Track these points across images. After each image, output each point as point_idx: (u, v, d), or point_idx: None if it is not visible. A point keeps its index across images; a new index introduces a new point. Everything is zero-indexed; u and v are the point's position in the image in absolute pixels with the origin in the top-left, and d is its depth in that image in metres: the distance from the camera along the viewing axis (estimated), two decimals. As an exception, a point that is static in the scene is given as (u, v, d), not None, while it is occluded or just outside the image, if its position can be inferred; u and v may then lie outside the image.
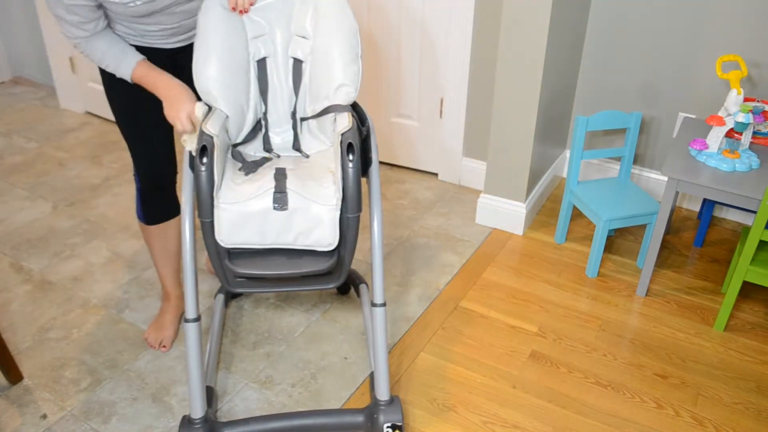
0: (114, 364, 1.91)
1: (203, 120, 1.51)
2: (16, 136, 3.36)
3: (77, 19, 1.51)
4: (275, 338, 2.03)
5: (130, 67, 1.59)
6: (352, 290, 2.23)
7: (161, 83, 1.57)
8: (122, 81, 1.65)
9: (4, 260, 2.38)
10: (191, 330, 1.59)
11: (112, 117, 3.50)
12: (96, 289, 2.23)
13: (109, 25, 1.60)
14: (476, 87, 2.71)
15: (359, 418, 1.66)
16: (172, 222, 1.92)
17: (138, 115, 1.73)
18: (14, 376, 1.83)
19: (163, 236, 1.92)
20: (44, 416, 1.74)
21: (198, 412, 1.59)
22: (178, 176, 1.89)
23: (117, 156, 3.18)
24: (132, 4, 1.54)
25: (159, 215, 1.88)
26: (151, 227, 1.89)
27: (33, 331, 2.04)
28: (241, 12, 1.62)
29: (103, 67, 1.62)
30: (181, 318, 2.07)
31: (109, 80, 1.69)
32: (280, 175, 1.51)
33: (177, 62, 1.78)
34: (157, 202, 1.87)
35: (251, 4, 1.63)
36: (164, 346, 1.96)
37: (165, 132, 1.79)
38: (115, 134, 3.41)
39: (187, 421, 1.60)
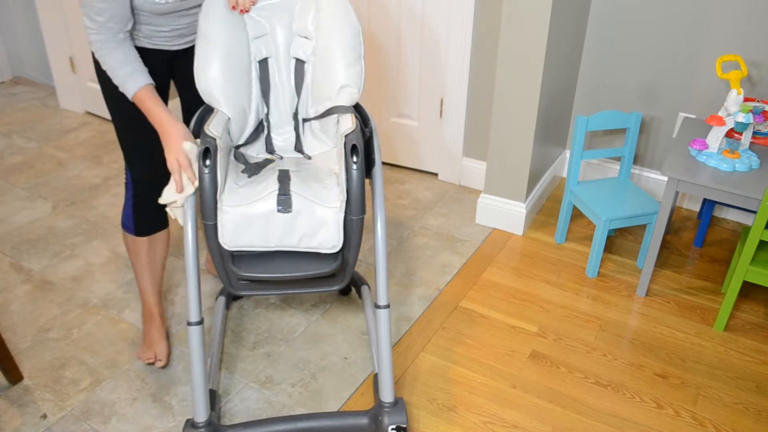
0: (114, 364, 1.91)
1: (196, 158, 1.52)
2: (16, 136, 3.36)
3: (103, 20, 1.50)
4: (275, 338, 2.03)
5: (135, 87, 1.56)
6: (353, 290, 2.23)
7: (155, 116, 1.56)
8: None
9: (4, 260, 2.37)
10: (194, 333, 1.57)
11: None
12: (96, 289, 2.23)
13: (129, 35, 1.59)
14: (476, 87, 2.71)
15: (363, 420, 1.66)
16: (161, 234, 1.87)
17: (137, 118, 1.68)
18: (14, 376, 1.83)
19: (150, 249, 1.86)
20: (44, 416, 1.74)
21: (201, 416, 1.59)
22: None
23: (117, 156, 3.17)
24: (161, 2, 1.52)
25: (150, 226, 1.82)
26: (140, 239, 1.83)
27: (33, 331, 2.04)
28: (242, 11, 1.62)
29: (110, 76, 1.59)
30: (167, 332, 2.01)
31: (108, 79, 1.66)
32: (284, 177, 1.51)
33: (174, 66, 1.78)
34: (148, 212, 1.81)
35: (252, 3, 1.63)
36: (160, 360, 1.88)
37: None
38: (115, 134, 3.41)
39: (190, 425, 1.59)
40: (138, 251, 1.85)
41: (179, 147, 1.52)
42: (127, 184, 1.78)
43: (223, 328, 2.02)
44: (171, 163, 1.52)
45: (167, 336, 1.99)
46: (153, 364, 1.90)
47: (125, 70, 1.55)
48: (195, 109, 1.87)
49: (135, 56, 1.57)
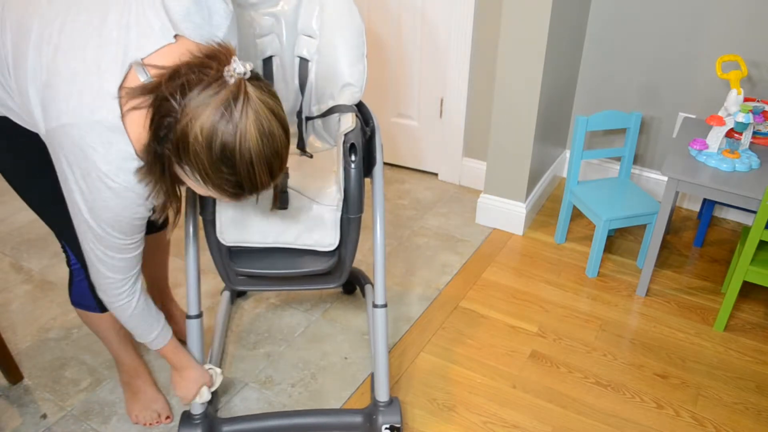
0: (114, 364, 1.91)
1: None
2: (15, 136, 3.36)
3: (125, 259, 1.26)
4: (275, 338, 2.02)
5: (164, 341, 1.44)
6: (357, 290, 2.23)
7: (179, 361, 1.50)
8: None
9: (4, 260, 2.37)
10: (193, 326, 1.59)
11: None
12: (96, 289, 2.23)
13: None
14: (476, 87, 2.71)
15: (358, 419, 1.66)
16: None
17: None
18: (14, 376, 1.83)
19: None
20: (44, 416, 1.74)
21: (197, 408, 1.59)
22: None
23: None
24: None
25: None
26: (106, 314, 1.55)
27: (33, 331, 2.04)
28: None
29: (130, 332, 1.40)
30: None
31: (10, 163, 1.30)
32: (283, 175, 1.51)
33: None
34: None
35: None
36: (168, 417, 1.73)
37: None
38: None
39: (186, 417, 1.60)
40: (106, 325, 1.60)
41: (193, 389, 1.53)
42: (72, 264, 1.48)
43: (225, 323, 2.02)
44: (182, 399, 1.55)
45: (157, 388, 1.79)
46: (158, 423, 1.72)
47: (156, 329, 1.42)
48: None
49: (152, 305, 1.40)
